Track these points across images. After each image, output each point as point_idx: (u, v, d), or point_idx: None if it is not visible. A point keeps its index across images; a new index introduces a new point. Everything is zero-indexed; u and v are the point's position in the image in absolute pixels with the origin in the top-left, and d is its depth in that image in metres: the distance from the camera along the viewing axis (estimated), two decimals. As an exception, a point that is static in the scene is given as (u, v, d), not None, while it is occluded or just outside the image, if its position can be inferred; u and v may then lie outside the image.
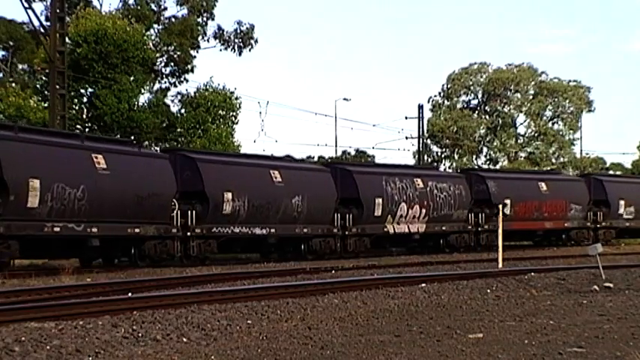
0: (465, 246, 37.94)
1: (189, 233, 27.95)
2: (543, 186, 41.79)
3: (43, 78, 41.91)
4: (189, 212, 27.97)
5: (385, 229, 34.80)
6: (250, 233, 29.98)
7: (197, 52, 46.98)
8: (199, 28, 46.68)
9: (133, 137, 40.00)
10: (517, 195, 40.14)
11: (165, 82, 46.72)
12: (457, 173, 41.82)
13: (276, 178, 30.93)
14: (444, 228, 37.25)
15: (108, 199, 24.93)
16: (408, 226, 35.85)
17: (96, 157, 24.92)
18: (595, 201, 44.03)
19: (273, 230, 30.52)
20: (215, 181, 28.86)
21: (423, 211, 36.30)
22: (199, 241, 28.38)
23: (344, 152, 68.81)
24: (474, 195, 38.97)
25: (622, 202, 45.23)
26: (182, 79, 46.40)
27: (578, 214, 42.94)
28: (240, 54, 47.28)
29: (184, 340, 10.96)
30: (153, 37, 45.78)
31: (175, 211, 27.51)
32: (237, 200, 29.18)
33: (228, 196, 28.97)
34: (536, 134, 74.37)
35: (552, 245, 41.77)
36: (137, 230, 26.07)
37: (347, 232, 33.39)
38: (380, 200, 34.34)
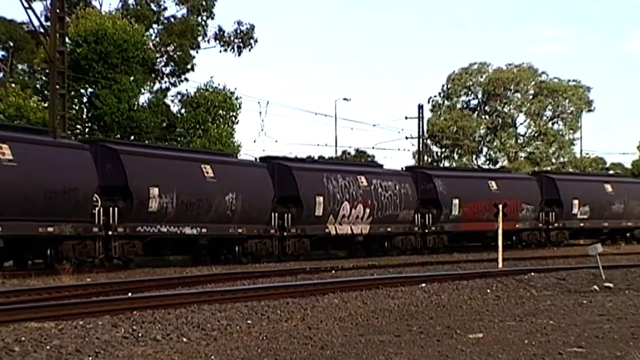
0: (411, 248, 36.02)
1: (110, 232, 25.42)
2: (494, 185, 39.86)
3: (43, 78, 41.92)
4: (110, 209, 25.45)
5: (327, 230, 32.57)
6: (179, 233, 27.59)
7: (197, 52, 47.06)
8: (199, 28, 46.69)
9: (133, 137, 40.06)
10: (466, 195, 38.22)
11: (166, 82, 46.78)
12: (403, 171, 39.08)
13: (207, 173, 28.54)
14: (389, 229, 35.18)
15: (13, 194, 22.48)
16: (351, 227, 33.65)
17: (0, 148, 22.78)
18: (547, 201, 42.19)
19: (204, 230, 28.21)
20: (140, 175, 26.29)
21: (367, 211, 34.14)
22: (122, 241, 25.82)
23: (344, 152, 68.86)
24: (421, 195, 36.94)
25: (576, 202, 43.07)
26: (182, 79, 46.46)
27: (530, 215, 41.10)
28: (239, 54, 47.33)
29: (184, 340, 10.96)
30: (153, 37, 45.80)
31: (98, 208, 25.04)
32: (165, 196, 26.72)
33: (155, 191, 26.40)
34: (536, 134, 74.35)
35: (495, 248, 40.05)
36: (50, 229, 23.64)
37: (285, 233, 31.13)
38: (321, 199, 32.13)
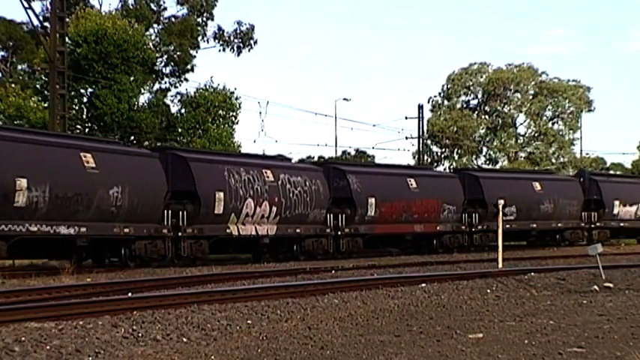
0: (322, 252, 32.31)
1: None
2: (413, 183, 36.29)
3: (43, 78, 41.93)
4: None
5: (228, 231, 28.79)
6: (53, 233, 23.69)
7: (197, 52, 47.08)
8: (199, 28, 46.71)
9: (133, 137, 40.08)
10: (383, 193, 34.58)
11: (165, 82, 46.79)
12: (313, 166, 35.11)
13: (88, 163, 24.72)
14: (298, 231, 31.41)
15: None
16: (256, 228, 29.87)
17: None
18: (470, 201, 38.57)
19: (83, 229, 24.38)
20: (3, 165, 22.48)
21: (274, 209, 30.39)
22: None
23: (344, 152, 68.87)
24: (333, 192, 33.33)
25: (501, 202, 40.47)
26: (182, 79, 46.47)
27: (452, 216, 37.62)
28: (239, 54, 47.34)
29: (184, 340, 10.96)
30: (153, 37, 45.82)
31: None
32: (35, 189, 22.91)
33: (22, 183, 22.65)
34: (536, 134, 74.33)
35: (421, 252, 35.72)
36: None
37: (180, 234, 27.40)
38: (221, 195, 28.34)
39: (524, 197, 40.31)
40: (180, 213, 27.48)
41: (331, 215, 32.99)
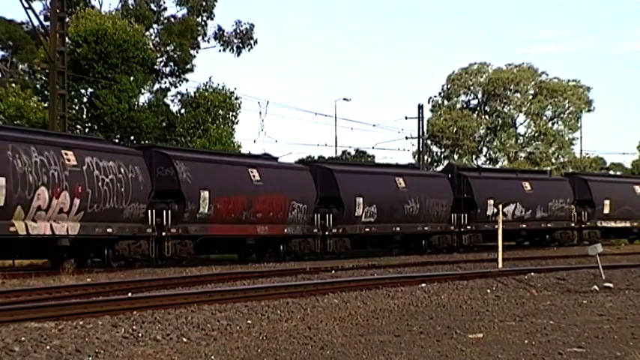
0: (141, 258, 26.51)
1: None
2: (256, 175, 30.29)
3: (43, 78, 41.94)
4: None
5: (12, 229, 22.40)
6: None
7: (197, 52, 47.08)
8: (199, 28, 46.71)
9: (133, 137, 40.10)
10: (219, 186, 28.81)
11: (165, 82, 46.80)
12: (131, 149, 28.83)
13: None
14: (109, 230, 25.25)
15: None
16: (52, 226, 23.60)
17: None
18: (324, 199, 33.07)
19: None
20: None
21: (77, 202, 24.14)
22: None
23: (344, 152, 68.87)
24: (157, 183, 27.40)
25: (360, 200, 33.77)
26: (182, 79, 46.48)
27: (302, 217, 31.90)
28: (239, 54, 47.31)
29: (184, 340, 10.96)
30: (153, 37, 45.83)
31: None
32: None
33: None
34: (536, 134, 74.34)
35: (263, 260, 30.50)
36: None
37: None
38: (2, 180, 21.98)
39: (386, 195, 35.11)
40: None
41: (154, 212, 26.96)
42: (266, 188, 30.40)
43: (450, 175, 39.84)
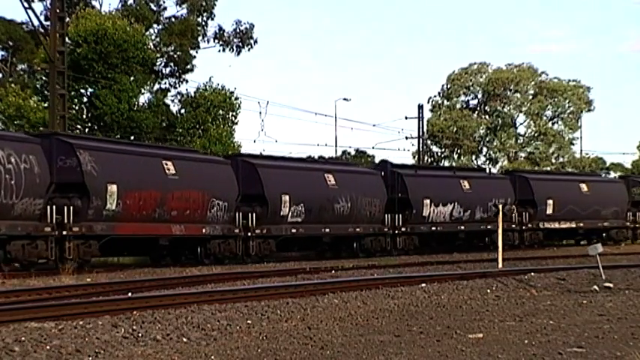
0: (37, 261, 23.65)
1: None
2: (171, 168, 27.53)
3: (43, 78, 41.93)
4: None
5: None
6: None
7: (197, 52, 47.11)
8: (199, 28, 46.73)
9: (133, 137, 40.08)
10: (129, 180, 25.85)
11: (165, 82, 46.82)
12: (25, 135, 25.43)
13: None
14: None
15: None
16: None
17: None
18: (247, 196, 30.39)
19: None
20: None
21: None
22: None
23: (344, 152, 68.87)
24: (57, 175, 24.40)
25: (286, 198, 31.07)
26: (182, 79, 46.50)
27: (223, 215, 29.27)
28: (238, 54, 47.35)
29: (184, 340, 10.96)
30: (153, 37, 45.84)
31: None
32: None
33: None
34: (536, 134, 74.32)
35: (181, 264, 27.85)
36: None
37: None
38: None
39: (315, 193, 32.43)
40: None
41: (54, 208, 24.01)
42: (182, 183, 27.57)
43: (383, 173, 36.72)
